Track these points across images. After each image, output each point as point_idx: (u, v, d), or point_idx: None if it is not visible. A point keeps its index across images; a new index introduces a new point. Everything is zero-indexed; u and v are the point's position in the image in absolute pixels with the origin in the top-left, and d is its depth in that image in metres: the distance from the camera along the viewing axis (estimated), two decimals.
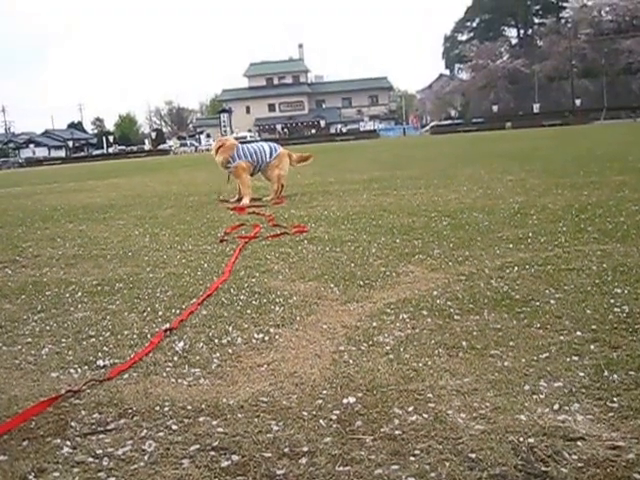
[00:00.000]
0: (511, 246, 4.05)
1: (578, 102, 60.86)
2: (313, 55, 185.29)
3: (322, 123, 78.62)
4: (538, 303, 2.80)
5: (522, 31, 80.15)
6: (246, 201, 7.77)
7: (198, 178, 14.94)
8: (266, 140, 11.09)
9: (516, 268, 3.44)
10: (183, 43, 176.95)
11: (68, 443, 1.80)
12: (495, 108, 66.00)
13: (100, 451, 1.74)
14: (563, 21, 72.22)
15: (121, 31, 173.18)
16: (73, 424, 1.92)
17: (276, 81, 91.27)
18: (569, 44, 63.87)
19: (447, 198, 6.82)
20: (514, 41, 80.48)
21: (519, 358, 2.19)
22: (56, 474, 1.63)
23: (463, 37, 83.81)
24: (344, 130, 70.91)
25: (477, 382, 2.02)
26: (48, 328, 2.96)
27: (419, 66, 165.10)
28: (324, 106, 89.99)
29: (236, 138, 9.92)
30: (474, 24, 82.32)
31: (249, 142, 9.74)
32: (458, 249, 4.08)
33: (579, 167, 9.42)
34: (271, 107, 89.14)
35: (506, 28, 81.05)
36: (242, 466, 1.61)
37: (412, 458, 1.59)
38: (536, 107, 62.78)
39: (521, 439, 1.65)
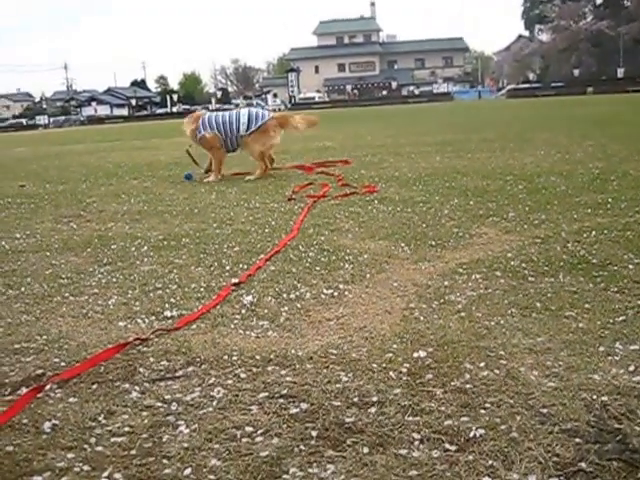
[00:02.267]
0: (589, 211, 3.92)
1: None
2: (386, 14, 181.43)
3: (393, 85, 76.86)
4: (616, 268, 2.71)
5: None
6: (212, 178, 6.78)
7: None
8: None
9: (594, 233, 3.33)
10: None
11: (137, 388, 1.83)
12: (576, 72, 62.81)
13: (168, 396, 1.77)
14: None
15: None
16: (141, 370, 1.96)
17: (346, 40, 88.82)
18: None
19: (523, 162, 6.63)
20: (599, 1, 75.67)
21: (594, 320, 2.13)
22: (125, 417, 1.67)
23: None
24: (416, 92, 69.21)
25: (550, 342, 1.98)
26: (114, 280, 3.01)
27: (497, 27, 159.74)
28: (396, 67, 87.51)
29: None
30: None
31: (225, 110, 8.80)
32: (534, 212, 3.98)
33: None
34: (341, 67, 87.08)
35: None
36: (311, 413, 1.63)
37: (482, 411, 1.58)
38: (620, 72, 59.18)
39: (594, 397, 1.62)
